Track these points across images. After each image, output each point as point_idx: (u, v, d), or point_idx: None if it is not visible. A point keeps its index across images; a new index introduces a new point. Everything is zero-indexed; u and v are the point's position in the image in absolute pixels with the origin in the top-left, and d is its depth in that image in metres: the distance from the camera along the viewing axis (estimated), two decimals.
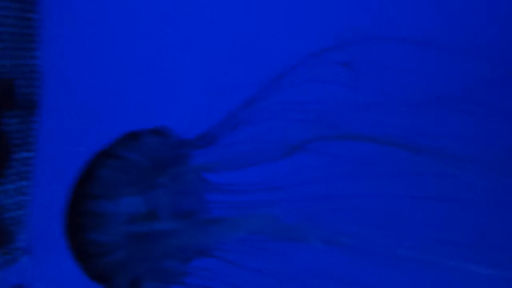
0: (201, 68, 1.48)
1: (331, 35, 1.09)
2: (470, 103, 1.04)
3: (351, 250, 0.89)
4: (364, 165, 0.96)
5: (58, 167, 1.63)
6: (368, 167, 0.97)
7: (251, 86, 1.01)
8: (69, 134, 1.61)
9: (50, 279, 1.62)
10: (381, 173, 0.95)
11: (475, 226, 1.11)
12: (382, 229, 0.91)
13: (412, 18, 1.48)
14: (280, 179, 0.93)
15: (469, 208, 1.02)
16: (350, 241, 0.89)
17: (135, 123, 1.24)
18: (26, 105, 1.54)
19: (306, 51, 1.00)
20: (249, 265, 0.94)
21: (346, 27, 1.07)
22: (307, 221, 0.89)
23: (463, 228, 0.90)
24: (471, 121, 1.07)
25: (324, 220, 0.91)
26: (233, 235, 0.94)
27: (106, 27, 1.53)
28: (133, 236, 1.07)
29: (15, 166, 1.54)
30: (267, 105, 1.00)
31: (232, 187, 1.00)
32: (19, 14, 1.48)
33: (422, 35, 1.11)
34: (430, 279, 0.98)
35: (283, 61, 1.00)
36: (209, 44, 1.53)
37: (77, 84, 1.57)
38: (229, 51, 1.48)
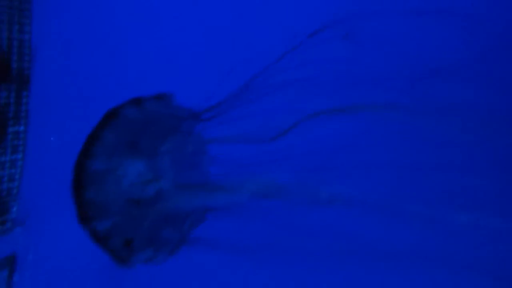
0: (205, 40, 1.49)
1: (330, 11, 1.14)
2: (469, 73, 1.11)
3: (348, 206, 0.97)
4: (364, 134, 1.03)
5: (49, 141, 1.66)
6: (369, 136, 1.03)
7: (256, 60, 1.06)
8: (61, 107, 1.64)
9: (42, 249, 1.67)
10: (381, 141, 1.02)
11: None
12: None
13: None
14: (282, 148, 0.99)
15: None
16: (347, 198, 0.96)
17: (132, 92, 1.28)
18: (19, 79, 1.56)
19: (308, 25, 1.05)
20: (249, 227, 1.01)
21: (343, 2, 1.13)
22: (305, 182, 0.96)
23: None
24: (471, 91, 1.14)
25: (323, 181, 0.98)
26: (235, 198, 1.00)
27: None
28: (133, 200, 1.13)
29: (8, 139, 1.56)
30: (271, 79, 1.05)
31: (233, 156, 1.06)
32: None
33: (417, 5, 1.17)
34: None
35: (286, 34, 1.05)
36: (214, 13, 1.54)
37: (69, 57, 1.59)
38: (233, 24, 1.49)
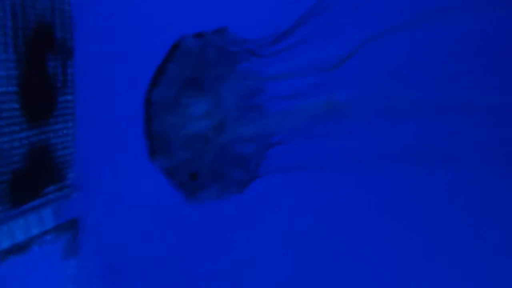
0: None
1: None
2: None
3: None
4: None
5: (97, 108, 1.71)
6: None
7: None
8: (105, 74, 1.68)
9: (101, 211, 1.74)
10: None
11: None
12: None
13: None
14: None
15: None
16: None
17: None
18: (63, 49, 1.60)
19: None
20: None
21: None
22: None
23: None
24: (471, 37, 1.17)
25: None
26: (300, 119, 1.05)
27: None
28: (198, 134, 1.18)
29: (58, 108, 1.62)
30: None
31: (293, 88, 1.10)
32: None
33: None
34: None
35: None
36: None
37: (110, 24, 1.63)
38: None
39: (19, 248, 1.48)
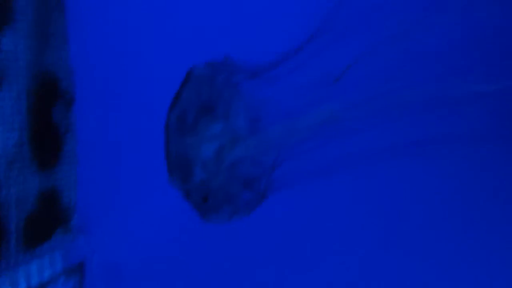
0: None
1: None
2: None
3: None
4: None
5: (99, 151, 1.80)
6: None
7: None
8: (105, 120, 1.77)
9: (106, 253, 1.80)
10: None
11: None
12: None
13: None
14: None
15: None
16: None
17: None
18: (67, 98, 1.69)
19: None
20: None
21: None
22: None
23: None
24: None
25: None
26: (302, 132, 1.20)
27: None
28: (213, 155, 1.31)
29: (64, 154, 1.69)
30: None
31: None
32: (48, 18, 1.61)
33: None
34: None
35: None
36: None
37: (109, 73, 1.74)
38: None
39: None
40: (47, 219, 1.62)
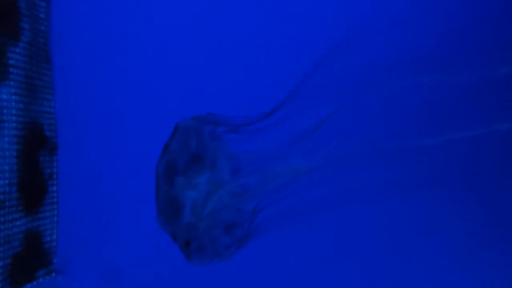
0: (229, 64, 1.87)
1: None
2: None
3: None
4: None
5: (79, 195, 1.91)
6: None
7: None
8: (85, 168, 1.90)
9: None
10: None
11: None
12: None
13: None
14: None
15: None
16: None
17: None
18: (51, 145, 1.82)
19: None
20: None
21: None
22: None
23: None
24: None
25: None
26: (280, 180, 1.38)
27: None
28: (197, 201, 1.46)
29: (47, 198, 1.80)
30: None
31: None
32: (35, 71, 1.77)
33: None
34: None
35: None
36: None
37: (91, 125, 1.89)
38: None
39: None
40: (31, 259, 1.70)
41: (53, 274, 1.81)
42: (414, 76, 1.59)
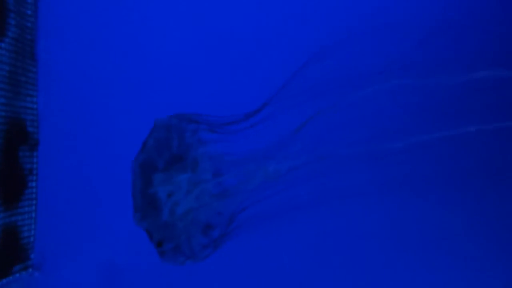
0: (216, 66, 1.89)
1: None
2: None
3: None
4: None
5: (58, 192, 1.92)
6: None
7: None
8: (65, 164, 1.91)
9: None
10: None
11: None
12: None
13: None
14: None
15: None
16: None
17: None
18: (32, 141, 1.82)
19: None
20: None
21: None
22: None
23: None
24: None
25: None
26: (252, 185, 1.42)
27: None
28: (175, 200, 1.48)
29: (26, 193, 1.80)
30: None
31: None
32: (19, 66, 1.78)
33: None
34: None
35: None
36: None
37: (73, 123, 1.89)
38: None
39: None
40: (7, 254, 1.70)
41: (30, 270, 1.81)
42: (399, 78, 1.64)
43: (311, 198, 1.57)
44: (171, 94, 1.82)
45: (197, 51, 1.87)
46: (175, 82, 1.84)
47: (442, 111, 1.72)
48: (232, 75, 1.82)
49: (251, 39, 1.84)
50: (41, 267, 1.86)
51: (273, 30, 1.84)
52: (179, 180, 1.47)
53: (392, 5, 1.76)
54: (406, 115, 1.72)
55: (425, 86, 1.68)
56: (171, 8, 1.92)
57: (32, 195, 1.84)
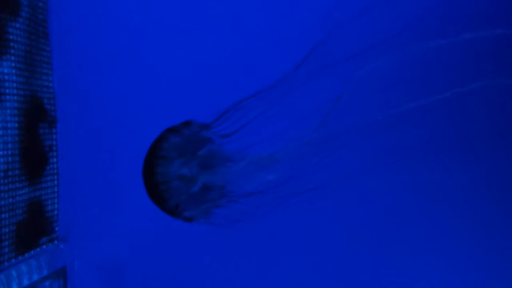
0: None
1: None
2: None
3: None
4: None
5: (78, 167, 1.98)
6: None
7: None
8: (84, 140, 1.98)
9: (85, 261, 1.96)
10: None
11: None
12: None
13: None
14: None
15: None
16: None
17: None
18: (50, 118, 1.88)
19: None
20: None
21: None
22: None
23: None
24: None
25: None
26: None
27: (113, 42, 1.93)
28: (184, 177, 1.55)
29: (47, 169, 1.87)
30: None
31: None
32: (34, 46, 1.83)
33: None
34: None
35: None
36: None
37: (88, 99, 1.95)
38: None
39: None
40: (34, 227, 1.78)
41: (56, 242, 1.90)
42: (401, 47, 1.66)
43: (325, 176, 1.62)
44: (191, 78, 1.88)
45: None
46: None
47: (446, 72, 1.74)
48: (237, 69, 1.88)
49: (261, 16, 1.89)
50: (66, 238, 1.94)
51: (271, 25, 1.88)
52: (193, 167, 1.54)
53: None
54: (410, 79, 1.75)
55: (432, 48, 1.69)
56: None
57: (53, 171, 1.91)
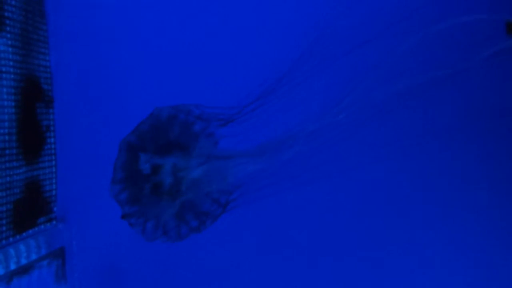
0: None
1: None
2: None
3: None
4: None
5: (76, 146, 1.98)
6: None
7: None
8: (82, 120, 1.96)
9: (83, 239, 1.96)
10: None
11: None
12: None
13: None
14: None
15: None
16: None
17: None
18: (47, 98, 1.87)
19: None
20: None
21: None
22: None
23: None
24: None
25: None
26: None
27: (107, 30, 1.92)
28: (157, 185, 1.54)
29: (45, 149, 1.86)
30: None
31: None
32: (30, 24, 1.82)
33: None
34: None
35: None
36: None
37: (86, 79, 1.94)
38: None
39: (24, 270, 1.66)
40: (32, 207, 1.78)
41: (54, 222, 1.89)
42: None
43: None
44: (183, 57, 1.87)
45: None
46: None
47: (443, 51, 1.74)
48: (233, 66, 1.86)
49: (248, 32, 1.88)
50: (64, 219, 1.94)
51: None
52: (167, 162, 1.52)
53: None
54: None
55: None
56: None
57: (51, 151, 1.90)
